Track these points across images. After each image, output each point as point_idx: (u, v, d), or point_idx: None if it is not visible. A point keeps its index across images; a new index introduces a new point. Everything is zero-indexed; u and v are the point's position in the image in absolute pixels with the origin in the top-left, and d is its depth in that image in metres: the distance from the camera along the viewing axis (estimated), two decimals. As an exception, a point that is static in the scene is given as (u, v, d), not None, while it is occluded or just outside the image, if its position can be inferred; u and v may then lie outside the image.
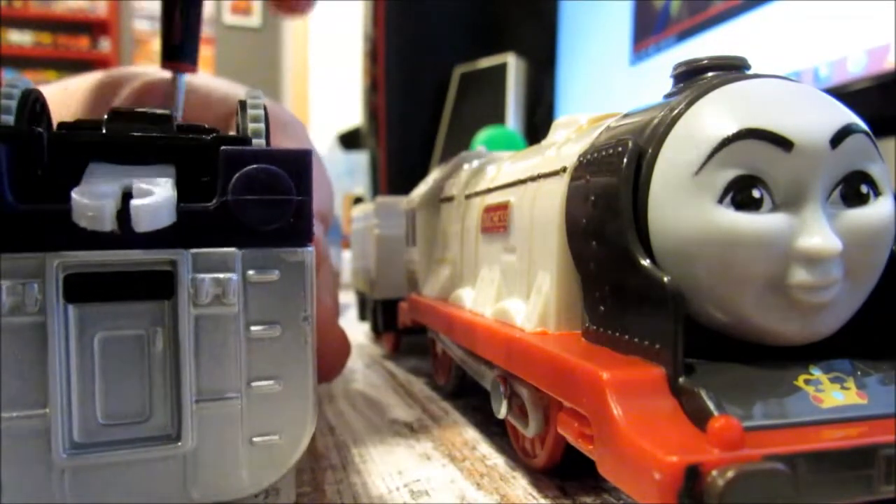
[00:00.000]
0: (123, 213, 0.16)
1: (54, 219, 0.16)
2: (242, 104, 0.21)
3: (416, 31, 1.20)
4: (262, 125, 0.20)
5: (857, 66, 0.48)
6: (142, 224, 0.16)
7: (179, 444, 0.17)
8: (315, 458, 0.27)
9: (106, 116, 0.20)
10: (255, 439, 0.18)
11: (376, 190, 1.26)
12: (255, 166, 0.17)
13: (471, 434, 0.30)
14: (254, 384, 0.18)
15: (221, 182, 0.17)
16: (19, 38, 2.95)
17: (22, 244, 0.16)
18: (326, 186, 0.33)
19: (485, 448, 0.28)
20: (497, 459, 0.26)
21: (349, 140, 1.49)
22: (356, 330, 0.62)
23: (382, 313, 0.49)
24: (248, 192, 0.17)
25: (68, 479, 0.17)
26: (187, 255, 0.17)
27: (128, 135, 0.19)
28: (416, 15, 1.21)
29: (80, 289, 0.17)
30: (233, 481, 0.18)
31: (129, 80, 0.33)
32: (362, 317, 0.61)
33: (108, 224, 0.16)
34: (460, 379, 0.35)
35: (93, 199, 0.16)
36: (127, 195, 0.17)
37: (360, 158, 1.35)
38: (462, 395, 0.36)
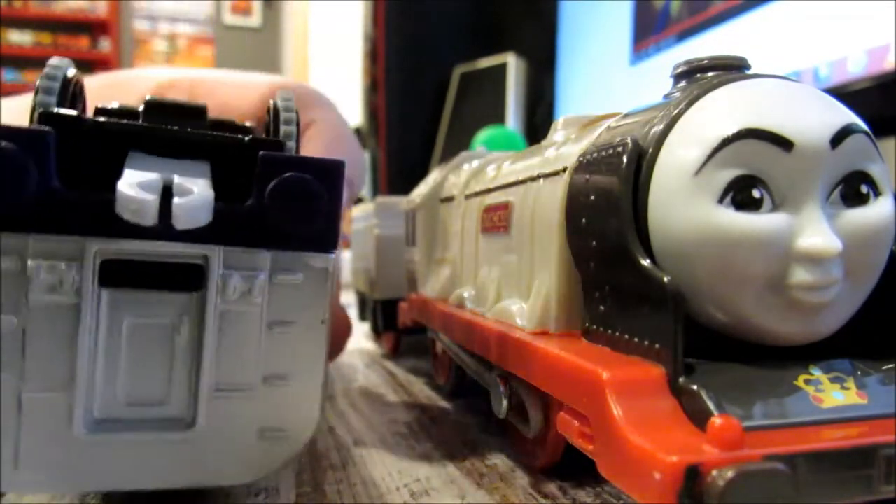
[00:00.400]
0: (164, 209, 0.17)
1: (98, 206, 0.17)
2: (275, 107, 0.21)
3: (416, 31, 1.20)
4: (293, 128, 0.21)
5: (857, 66, 0.48)
6: (181, 222, 0.17)
7: (194, 429, 0.18)
8: (315, 458, 0.27)
9: (142, 107, 0.20)
10: (264, 431, 0.19)
11: (376, 190, 1.26)
12: (290, 174, 0.18)
13: (471, 434, 0.30)
14: (269, 380, 0.19)
15: (257, 185, 0.18)
16: (19, 38, 2.95)
17: (64, 227, 0.17)
18: (357, 153, 0.33)
19: (485, 448, 0.28)
20: (497, 459, 0.26)
21: (349, 140, 1.48)
22: (356, 330, 0.62)
23: (382, 313, 0.49)
24: (282, 198, 0.18)
25: (86, 455, 0.17)
26: (220, 251, 0.18)
27: (169, 129, 0.19)
28: (416, 15, 1.21)
29: (115, 275, 0.17)
30: (238, 468, 0.19)
31: (140, 79, 0.33)
32: (362, 317, 0.61)
33: (151, 219, 0.17)
34: (460, 379, 0.35)
35: (138, 192, 0.16)
36: (167, 190, 0.17)
37: (360, 158, 1.34)
38: (462, 395, 0.36)
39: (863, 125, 0.18)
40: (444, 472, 0.25)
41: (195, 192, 0.17)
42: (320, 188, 0.18)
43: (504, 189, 0.28)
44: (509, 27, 1.18)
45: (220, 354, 0.18)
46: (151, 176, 0.17)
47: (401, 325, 0.45)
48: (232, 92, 0.32)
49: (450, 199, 0.35)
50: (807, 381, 0.17)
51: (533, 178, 0.25)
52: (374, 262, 0.49)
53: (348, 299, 0.81)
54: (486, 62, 1.16)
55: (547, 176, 0.24)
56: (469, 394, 0.36)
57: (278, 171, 0.18)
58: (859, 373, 0.18)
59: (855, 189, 0.18)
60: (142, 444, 0.18)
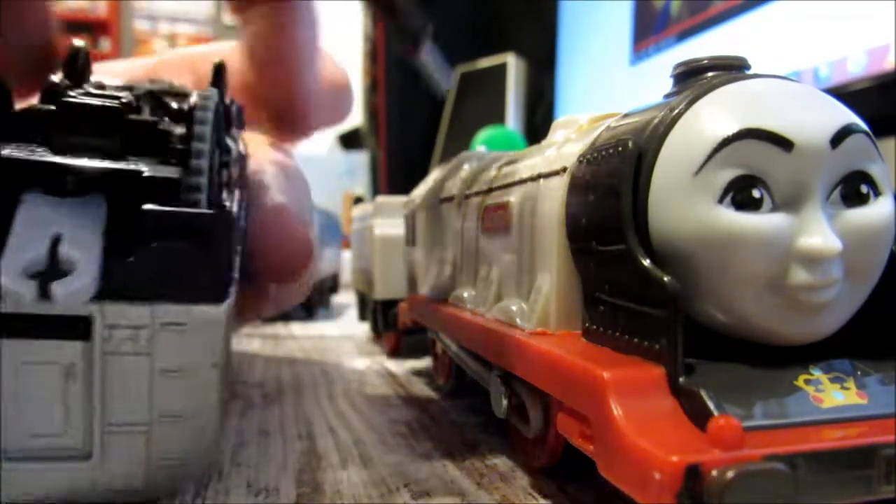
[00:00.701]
0: (45, 288, 0.18)
1: None
2: (190, 115, 0.21)
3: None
4: (204, 146, 0.20)
5: (857, 66, 0.48)
6: (60, 302, 0.18)
7: (90, 461, 0.20)
8: (315, 458, 0.27)
9: (53, 110, 0.20)
10: (158, 461, 0.20)
11: (376, 190, 1.26)
12: (176, 229, 0.19)
13: (471, 434, 0.30)
14: (162, 417, 0.20)
15: (142, 241, 0.19)
16: (19, 38, 2.94)
17: None
18: (301, 185, 0.32)
19: (485, 448, 0.28)
20: (497, 459, 0.26)
21: (349, 140, 1.49)
22: (356, 330, 0.62)
23: (382, 313, 0.49)
24: (166, 255, 0.19)
25: (3, 482, 0.19)
26: (103, 309, 0.19)
27: (62, 165, 0.19)
28: (417, 15, 1.21)
29: (6, 324, 0.18)
30: (133, 492, 0.20)
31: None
32: (362, 317, 0.61)
33: (30, 301, 0.18)
34: (460, 379, 0.35)
35: (17, 286, 0.18)
36: (52, 263, 0.18)
37: (360, 158, 1.35)
38: (462, 395, 0.36)
39: (863, 125, 0.18)
40: (444, 472, 0.25)
41: (76, 270, 0.18)
42: (205, 242, 0.19)
43: (504, 189, 0.28)
44: (509, 27, 1.18)
45: (111, 395, 0.19)
46: (34, 251, 0.18)
47: (401, 325, 0.46)
48: (223, 54, 0.32)
49: (450, 199, 0.35)
50: (807, 381, 0.17)
51: (533, 178, 0.25)
52: (374, 262, 0.49)
53: (348, 299, 0.81)
54: (486, 62, 1.16)
55: (547, 176, 0.24)
56: (469, 394, 0.36)
57: (164, 229, 0.19)
58: (859, 373, 0.18)
59: (855, 189, 0.18)
60: (45, 470, 0.19)
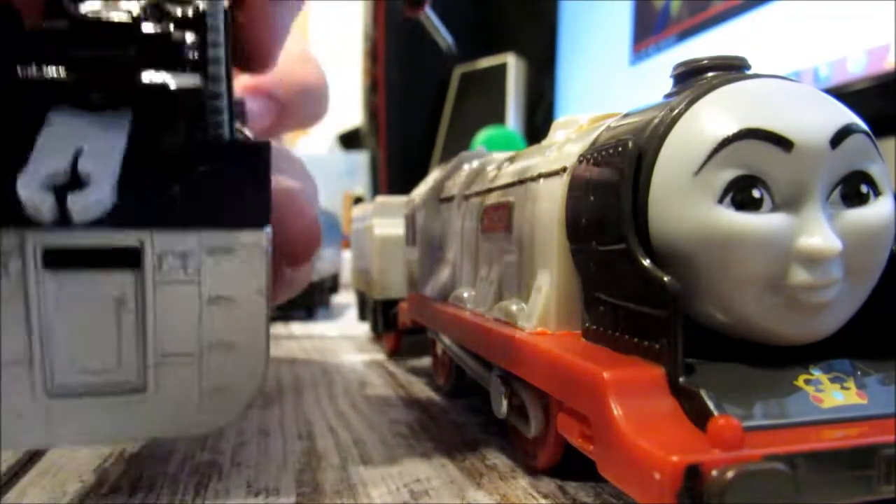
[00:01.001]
0: (62, 194, 0.18)
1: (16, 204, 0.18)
2: (202, 21, 0.21)
3: (416, 31, 1.20)
4: (220, 52, 0.21)
5: (857, 66, 0.48)
6: (77, 218, 0.18)
7: (144, 393, 0.20)
8: (315, 458, 0.27)
9: (67, 26, 0.20)
10: (210, 392, 0.20)
11: (376, 190, 1.26)
12: (217, 157, 0.19)
13: (471, 434, 0.30)
14: (212, 347, 0.20)
15: (185, 168, 0.19)
16: (19, 38, 2.94)
17: (3, 221, 0.18)
18: (301, 168, 0.31)
19: (485, 448, 0.28)
20: (497, 459, 0.26)
21: (349, 140, 1.49)
22: (356, 330, 0.62)
23: (382, 313, 0.49)
24: (210, 182, 0.19)
25: (49, 417, 0.19)
26: (151, 235, 0.19)
27: (82, 82, 0.19)
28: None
29: (58, 258, 0.19)
30: (187, 423, 0.21)
31: None
32: (362, 317, 0.61)
33: (49, 217, 0.18)
34: (460, 379, 0.35)
35: (34, 194, 0.17)
36: (73, 173, 0.18)
37: (360, 158, 1.35)
38: (462, 395, 0.36)
39: (863, 125, 0.18)
40: (444, 472, 0.25)
41: (91, 185, 0.18)
42: (244, 169, 0.19)
43: (504, 189, 0.28)
44: (509, 27, 1.18)
45: (163, 326, 0.19)
46: (56, 156, 0.18)
47: (401, 325, 0.45)
48: None
49: (450, 199, 0.35)
50: (807, 381, 0.17)
51: (533, 178, 0.25)
52: (374, 262, 0.49)
53: (348, 299, 0.81)
54: (486, 62, 1.17)
55: (547, 176, 0.24)
56: (469, 394, 0.36)
57: (205, 157, 0.19)
58: (859, 373, 0.18)
59: (855, 189, 0.18)
60: (97, 406, 0.20)
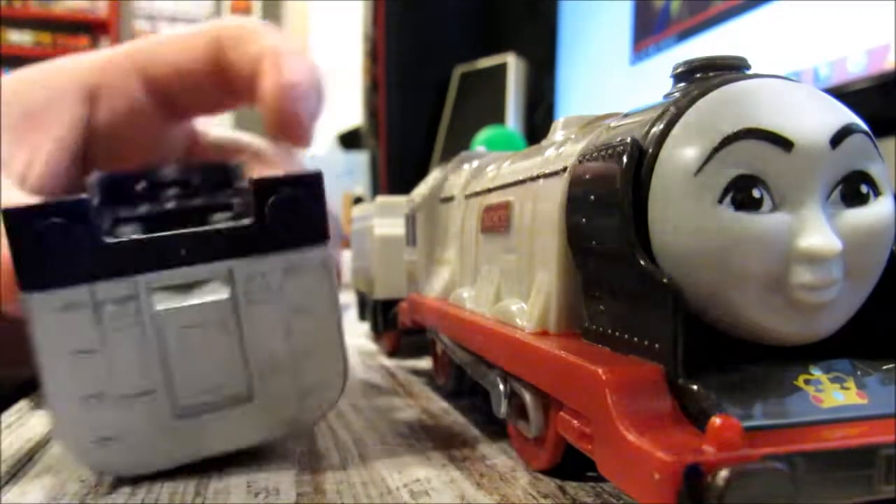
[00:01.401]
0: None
1: (141, 251, 0.22)
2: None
3: (416, 31, 1.20)
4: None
5: (857, 66, 0.48)
6: None
7: (252, 402, 0.23)
8: (315, 458, 0.27)
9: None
10: (302, 395, 0.24)
11: (376, 190, 1.26)
12: (281, 191, 0.22)
13: (471, 434, 0.30)
14: (298, 355, 0.24)
15: (257, 204, 0.22)
16: (19, 38, 2.94)
17: (121, 272, 0.21)
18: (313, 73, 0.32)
19: (485, 448, 0.28)
20: (497, 459, 0.26)
21: (349, 140, 1.49)
22: (356, 330, 0.62)
23: (382, 313, 0.49)
24: (279, 212, 0.22)
25: (175, 436, 0.23)
26: (238, 263, 0.23)
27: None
28: (416, 15, 1.21)
29: (165, 295, 0.22)
30: (287, 425, 0.24)
31: (66, 71, 0.31)
32: (362, 317, 0.61)
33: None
34: (460, 379, 0.35)
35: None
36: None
37: (360, 158, 1.35)
38: (462, 395, 0.36)
39: (863, 125, 0.18)
40: (444, 472, 0.25)
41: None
42: (304, 196, 0.23)
43: (504, 189, 0.28)
44: (509, 27, 1.18)
45: (258, 341, 0.23)
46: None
47: (401, 325, 0.45)
48: (174, 50, 0.31)
49: (450, 199, 0.35)
50: (807, 381, 0.17)
51: (533, 178, 0.25)
52: (374, 262, 0.49)
53: (348, 299, 0.81)
54: (486, 62, 1.17)
55: (547, 176, 0.24)
56: (469, 394, 0.36)
57: (271, 191, 0.22)
58: (859, 373, 0.18)
59: (855, 189, 0.18)
60: (216, 419, 0.23)
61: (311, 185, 0.23)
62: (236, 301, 0.22)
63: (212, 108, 0.33)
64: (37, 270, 0.20)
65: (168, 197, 0.27)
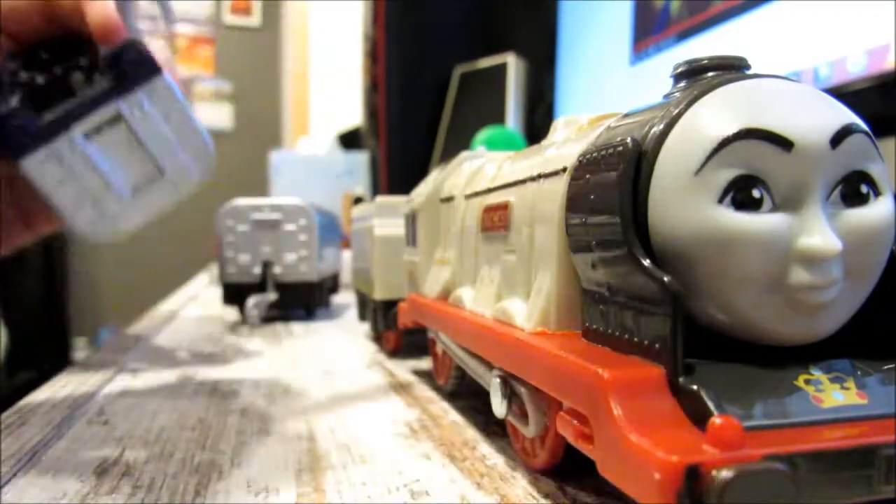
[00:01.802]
0: None
1: (65, 117, 0.33)
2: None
3: (416, 31, 1.20)
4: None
5: (857, 66, 0.48)
6: None
7: (164, 176, 0.34)
8: (315, 458, 0.27)
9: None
10: (190, 160, 0.34)
11: (376, 190, 1.26)
12: (126, 56, 0.32)
13: (471, 434, 0.30)
14: (177, 139, 0.34)
15: (113, 67, 0.32)
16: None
17: (57, 133, 0.33)
18: None
19: (485, 448, 0.28)
20: (497, 459, 0.26)
21: (349, 140, 1.49)
22: (357, 329, 0.62)
23: (382, 313, 0.49)
24: (128, 66, 0.32)
25: (131, 207, 0.34)
26: (121, 104, 0.32)
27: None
28: (416, 15, 1.21)
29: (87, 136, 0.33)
30: (190, 182, 0.34)
31: None
32: (362, 317, 0.61)
33: None
34: (460, 379, 0.35)
35: None
36: None
37: (360, 158, 1.35)
38: (462, 395, 0.36)
39: (863, 125, 0.18)
40: (444, 472, 0.25)
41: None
42: (138, 55, 0.32)
43: (504, 189, 0.28)
44: (509, 27, 1.18)
45: (152, 141, 0.33)
46: None
47: (401, 325, 0.45)
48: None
49: (450, 199, 0.35)
50: (807, 381, 0.17)
51: (533, 178, 0.25)
52: (373, 262, 0.49)
53: (348, 299, 0.81)
54: (486, 62, 1.16)
55: (547, 176, 0.24)
56: (469, 394, 0.36)
57: (118, 59, 0.32)
58: (859, 373, 0.18)
59: (855, 189, 0.18)
60: (149, 192, 0.33)
61: (134, 46, 0.32)
62: (129, 124, 0.32)
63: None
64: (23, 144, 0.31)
65: (38, 71, 0.33)
